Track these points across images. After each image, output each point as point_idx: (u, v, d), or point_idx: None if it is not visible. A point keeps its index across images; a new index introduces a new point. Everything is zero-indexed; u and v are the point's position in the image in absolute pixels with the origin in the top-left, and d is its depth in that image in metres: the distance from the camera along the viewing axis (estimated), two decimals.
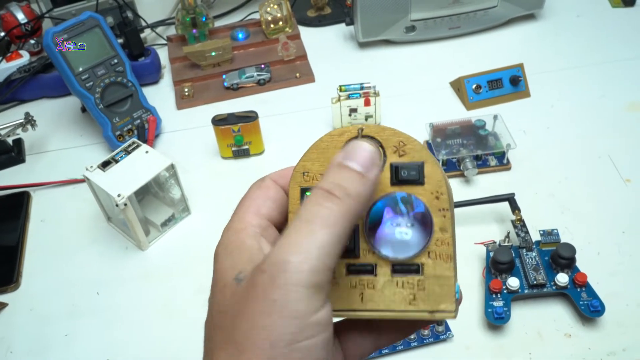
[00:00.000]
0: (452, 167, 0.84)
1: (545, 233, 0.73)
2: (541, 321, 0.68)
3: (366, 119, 0.92)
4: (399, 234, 0.32)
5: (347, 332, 0.35)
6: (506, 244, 0.72)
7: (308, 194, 0.33)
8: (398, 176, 0.33)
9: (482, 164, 0.84)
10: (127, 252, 0.80)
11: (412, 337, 0.66)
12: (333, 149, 0.33)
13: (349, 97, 0.89)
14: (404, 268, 0.32)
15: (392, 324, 0.34)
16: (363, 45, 1.09)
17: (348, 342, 0.35)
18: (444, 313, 0.32)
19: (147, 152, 0.78)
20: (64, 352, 0.71)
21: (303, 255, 0.28)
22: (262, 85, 1.02)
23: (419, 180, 0.33)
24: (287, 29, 1.08)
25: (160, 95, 1.03)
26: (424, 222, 0.32)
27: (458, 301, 0.33)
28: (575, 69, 1.00)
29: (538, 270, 0.69)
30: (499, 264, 0.69)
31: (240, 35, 1.08)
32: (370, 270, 0.33)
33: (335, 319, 0.35)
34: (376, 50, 1.08)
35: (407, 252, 0.32)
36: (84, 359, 0.70)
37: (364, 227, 0.33)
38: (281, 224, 0.35)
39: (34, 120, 0.92)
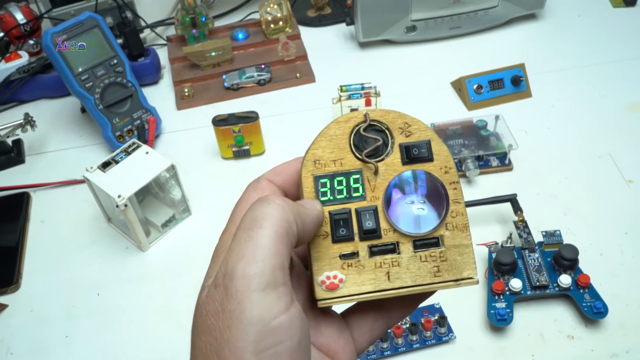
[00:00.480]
0: None
1: (547, 234, 0.73)
2: (544, 323, 0.68)
3: None
4: (416, 210, 0.34)
5: (358, 319, 0.36)
6: (508, 245, 0.72)
7: (323, 181, 0.34)
8: (409, 155, 0.34)
9: (483, 164, 0.84)
10: (127, 253, 0.80)
11: (414, 338, 0.66)
12: (341, 136, 0.34)
13: (349, 97, 0.89)
14: (425, 242, 0.34)
15: (400, 300, 0.35)
16: (363, 45, 1.08)
17: (361, 329, 0.35)
18: (467, 280, 0.34)
19: (147, 152, 0.78)
20: (64, 354, 0.70)
21: (245, 260, 0.28)
22: (262, 85, 1.01)
23: (428, 157, 0.34)
24: (287, 29, 1.08)
25: (160, 96, 1.02)
26: (438, 196, 0.34)
27: None
28: (577, 69, 1.00)
29: (541, 271, 0.69)
30: (501, 265, 0.69)
31: (240, 35, 1.08)
32: (393, 248, 0.34)
33: (344, 306, 0.35)
34: (377, 50, 1.08)
35: (428, 227, 0.34)
36: None
37: (383, 207, 0.34)
38: None
39: (34, 121, 0.91)
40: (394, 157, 0.34)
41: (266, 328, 0.27)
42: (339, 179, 0.34)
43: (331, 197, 0.34)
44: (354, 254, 0.33)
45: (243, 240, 0.28)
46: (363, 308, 0.36)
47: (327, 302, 0.33)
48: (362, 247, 0.34)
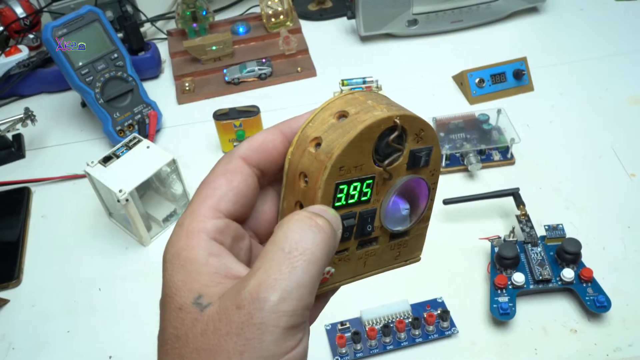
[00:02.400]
0: (455, 161, 0.84)
1: (550, 228, 0.73)
2: (546, 317, 0.68)
3: None
4: (403, 210, 0.36)
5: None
6: (511, 239, 0.72)
7: (342, 187, 0.32)
8: (416, 163, 0.34)
9: (485, 158, 0.84)
10: (128, 248, 0.80)
11: (417, 333, 0.66)
12: (369, 142, 0.32)
13: (351, 90, 0.88)
14: (399, 234, 0.36)
15: None
16: (365, 39, 1.08)
17: (313, 308, 0.35)
18: (414, 259, 0.38)
19: (148, 147, 0.77)
20: (66, 349, 0.70)
21: (281, 294, 0.26)
22: (263, 79, 1.01)
23: (427, 164, 0.35)
24: (288, 23, 1.08)
25: (160, 90, 1.02)
26: (421, 197, 0.36)
27: None
28: (579, 63, 1.00)
29: (543, 265, 0.69)
30: (504, 259, 0.68)
31: (240, 29, 1.07)
32: (373, 241, 0.36)
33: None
34: (378, 44, 1.07)
35: (409, 223, 0.36)
36: (86, 355, 0.70)
37: (380, 209, 0.34)
38: (244, 216, 0.33)
39: (34, 116, 0.91)
40: (402, 162, 0.34)
41: None
42: (355, 184, 0.33)
43: (344, 203, 0.33)
44: (346, 250, 0.34)
45: (285, 270, 0.27)
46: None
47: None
48: (354, 243, 0.35)
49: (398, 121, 0.32)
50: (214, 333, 0.27)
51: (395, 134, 0.32)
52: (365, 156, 0.32)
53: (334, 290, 0.37)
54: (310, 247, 0.28)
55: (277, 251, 0.27)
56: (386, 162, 0.33)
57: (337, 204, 0.33)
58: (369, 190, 0.33)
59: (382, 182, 0.34)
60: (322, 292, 0.34)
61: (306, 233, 0.28)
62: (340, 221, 0.32)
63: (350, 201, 0.33)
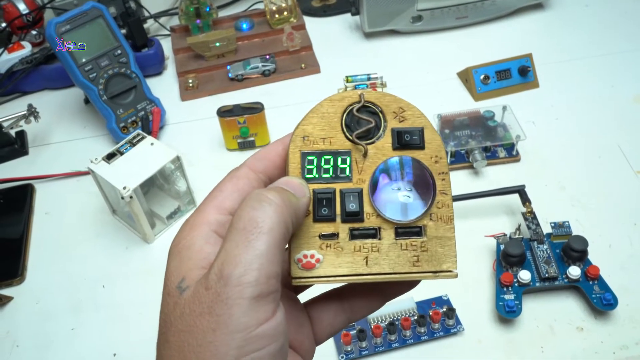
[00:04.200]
0: (460, 158, 0.83)
1: (556, 225, 0.72)
2: (553, 314, 0.67)
3: None
4: (402, 197, 0.34)
5: (319, 312, 0.36)
6: (517, 236, 0.71)
7: (310, 158, 0.33)
8: (401, 141, 0.34)
9: (491, 155, 0.83)
10: (132, 246, 0.79)
11: (422, 330, 0.66)
12: (334, 114, 0.34)
13: (355, 87, 0.88)
14: (407, 230, 0.34)
15: (365, 295, 0.35)
16: (369, 35, 1.07)
17: (321, 323, 0.36)
18: (446, 273, 0.33)
19: (152, 144, 0.77)
20: (70, 347, 0.70)
21: (243, 267, 0.27)
22: (267, 76, 1.00)
23: (420, 145, 0.34)
24: (291, 19, 1.07)
25: (164, 87, 1.01)
26: (425, 185, 0.34)
27: None
28: (584, 59, 0.99)
29: (549, 263, 0.68)
30: (509, 256, 0.68)
31: (244, 26, 1.07)
32: (374, 234, 0.33)
33: (307, 296, 0.36)
34: (382, 40, 1.07)
35: (412, 215, 0.34)
36: (91, 353, 0.70)
37: (368, 191, 0.33)
38: None
39: (37, 112, 0.91)
40: (385, 141, 0.34)
41: (251, 335, 0.27)
42: (326, 157, 0.33)
43: (317, 176, 0.33)
44: (334, 235, 0.33)
45: (241, 245, 0.28)
46: (326, 300, 0.36)
47: (301, 281, 0.33)
48: (343, 229, 0.33)
49: (363, 95, 0.33)
50: (189, 315, 0.28)
51: (359, 104, 0.33)
52: (333, 129, 0.33)
53: (354, 317, 0.36)
54: (263, 219, 0.29)
55: (234, 230, 0.29)
56: (355, 133, 0.33)
57: (309, 175, 0.33)
58: (346, 166, 0.34)
59: (363, 161, 0.34)
60: (310, 282, 0.33)
61: (256, 209, 0.29)
62: (307, 188, 0.32)
63: (325, 176, 0.33)
